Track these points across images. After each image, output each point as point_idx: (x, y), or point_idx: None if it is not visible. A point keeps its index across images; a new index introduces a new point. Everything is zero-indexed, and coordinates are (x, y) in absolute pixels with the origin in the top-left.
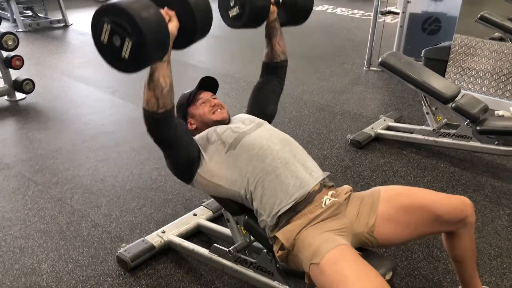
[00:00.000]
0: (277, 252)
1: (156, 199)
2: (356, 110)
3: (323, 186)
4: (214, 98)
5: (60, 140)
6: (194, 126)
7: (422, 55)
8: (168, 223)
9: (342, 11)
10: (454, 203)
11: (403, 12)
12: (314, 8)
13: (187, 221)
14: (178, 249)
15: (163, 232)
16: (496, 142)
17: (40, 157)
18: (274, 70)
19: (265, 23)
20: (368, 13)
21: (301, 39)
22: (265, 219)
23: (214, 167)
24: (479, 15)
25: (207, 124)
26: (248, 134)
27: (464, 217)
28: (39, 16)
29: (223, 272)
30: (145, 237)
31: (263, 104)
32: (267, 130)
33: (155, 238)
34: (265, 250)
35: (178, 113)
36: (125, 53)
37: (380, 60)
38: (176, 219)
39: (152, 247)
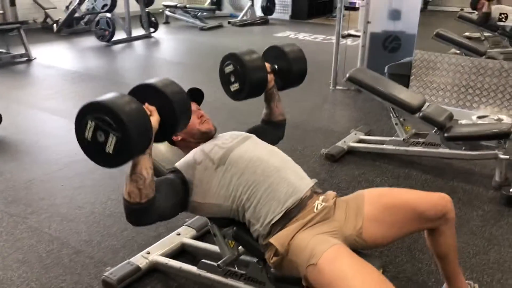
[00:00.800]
0: (271, 258)
1: None
2: (327, 127)
3: (313, 192)
4: (199, 110)
5: (32, 171)
6: (179, 138)
7: (385, 71)
8: (151, 245)
9: (304, 36)
10: (434, 200)
11: (364, 32)
12: (277, 34)
13: (171, 241)
14: (165, 268)
15: (148, 253)
16: (463, 148)
17: (12, 188)
18: (273, 127)
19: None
20: (329, 37)
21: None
22: (258, 229)
23: (206, 187)
24: (434, 32)
25: (193, 135)
26: (235, 148)
27: (445, 213)
28: (0, 52)
29: (212, 287)
30: (130, 259)
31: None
32: (255, 143)
33: (140, 260)
34: (255, 260)
35: None
36: (109, 148)
37: (347, 75)
38: (159, 240)
39: (138, 268)
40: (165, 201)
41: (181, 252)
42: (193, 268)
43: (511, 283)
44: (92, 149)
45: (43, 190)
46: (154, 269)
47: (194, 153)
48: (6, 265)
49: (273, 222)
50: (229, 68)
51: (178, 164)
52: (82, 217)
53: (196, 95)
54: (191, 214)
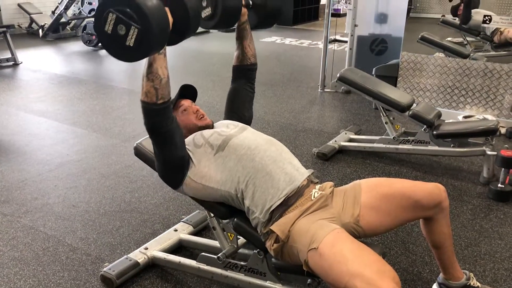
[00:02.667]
0: (272, 246)
1: (133, 220)
2: (317, 127)
3: (310, 181)
4: (194, 105)
5: (24, 171)
6: None
7: (373, 73)
8: (148, 241)
9: (290, 41)
10: (429, 189)
11: (352, 35)
12: (264, 39)
13: (168, 237)
14: (163, 263)
15: (146, 248)
16: (452, 145)
17: (5, 188)
18: (244, 73)
19: (236, 25)
20: (315, 42)
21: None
22: (258, 216)
23: (204, 170)
24: (420, 36)
25: (191, 130)
26: (234, 136)
27: (440, 201)
28: None
29: (212, 280)
30: (128, 255)
31: (239, 111)
32: (252, 133)
33: (138, 255)
34: (256, 251)
35: None
36: (130, 41)
37: (338, 75)
38: (156, 237)
39: (136, 263)
40: (180, 130)
41: (179, 248)
42: (192, 262)
43: (503, 273)
44: (112, 42)
45: (36, 190)
46: (153, 264)
47: (194, 136)
48: (1, 263)
49: (272, 208)
50: None
51: None
52: (77, 215)
53: (189, 92)
54: (187, 210)
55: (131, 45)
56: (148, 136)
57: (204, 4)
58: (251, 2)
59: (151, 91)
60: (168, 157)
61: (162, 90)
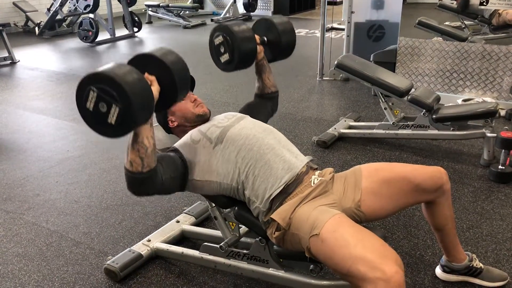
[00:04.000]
0: (273, 234)
1: (135, 213)
2: (317, 115)
3: (309, 168)
4: (192, 94)
5: (26, 169)
6: (175, 123)
7: (371, 59)
8: (151, 234)
9: None
10: (430, 172)
11: (349, 22)
12: None
13: (171, 228)
14: (166, 255)
15: (149, 240)
16: (451, 128)
17: (7, 186)
18: (266, 100)
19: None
20: (312, 31)
21: None
22: (258, 206)
23: (204, 165)
24: (417, 21)
25: (189, 119)
26: (232, 126)
27: (441, 184)
28: None
29: (215, 270)
30: (131, 247)
31: (254, 116)
32: (250, 122)
33: (141, 247)
34: (258, 238)
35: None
36: (112, 119)
37: (336, 62)
38: (158, 229)
39: (139, 256)
40: (166, 173)
41: (181, 240)
42: (195, 252)
43: (505, 253)
44: (94, 119)
45: (38, 187)
46: (156, 256)
47: (191, 133)
48: (5, 259)
49: (272, 197)
50: (218, 39)
51: (176, 144)
52: (79, 210)
53: None
54: (189, 201)
55: (113, 123)
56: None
57: (222, 50)
58: (266, 39)
59: (137, 161)
60: (163, 190)
61: (147, 159)
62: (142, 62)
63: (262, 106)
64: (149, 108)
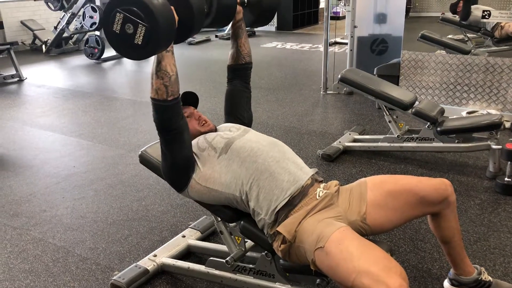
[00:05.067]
0: (279, 247)
1: (141, 228)
2: (321, 129)
3: (314, 180)
4: (197, 112)
5: (32, 185)
6: None
7: (374, 73)
8: (156, 249)
9: (291, 46)
10: (435, 184)
11: (352, 37)
12: (265, 45)
13: (177, 243)
14: (172, 270)
15: (155, 255)
16: (456, 141)
17: (13, 202)
18: (239, 73)
19: (230, 23)
20: (316, 46)
21: (258, 73)
22: (263, 218)
23: (208, 172)
24: (420, 34)
25: (194, 136)
26: (237, 139)
27: (446, 196)
28: None
29: (221, 284)
30: (138, 262)
31: (238, 113)
32: (255, 135)
33: (147, 262)
34: (264, 253)
35: None
36: (138, 39)
37: (340, 76)
38: (164, 244)
39: (146, 271)
40: (188, 129)
41: (187, 254)
42: (201, 267)
43: None
44: (121, 41)
45: (45, 203)
46: (162, 271)
47: (198, 140)
48: (12, 275)
49: (277, 209)
50: None
51: None
52: (86, 226)
53: (191, 99)
54: (194, 216)
55: (139, 43)
56: (152, 143)
57: None
58: (246, 0)
59: (161, 88)
60: (176, 156)
61: (172, 86)
62: None
63: (238, 90)
64: (172, 31)
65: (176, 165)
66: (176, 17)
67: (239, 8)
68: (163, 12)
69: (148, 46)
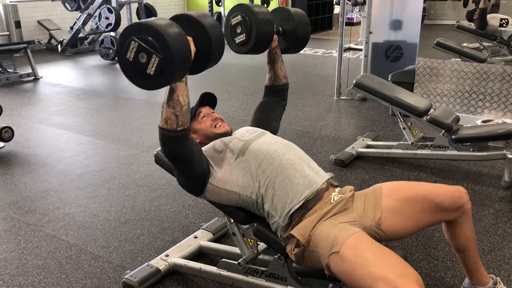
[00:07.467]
0: (293, 250)
1: (153, 228)
2: (334, 134)
3: (330, 184)
4: (213, 113)
5: (46, 182)
6: (197, 140)
7: (389, 79)
8: (168, 249)
9: (305, 51)
10: (451, 191)
11: (367, 43)
12: None
13: (189, 244)
14: (184, 270)
15: (167, 255)
16: (471, 149)
17: (28, 199)
18: (276, 93)
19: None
20: (329, 51)
21: None
22: (277, 220)
23: (225, 175)
24: (435, 42)
25: (210, 137)
26: (254, 141)
27: (462, 204)
28: (8, 71)
29: (232, 286)
30: (150, 262)
31: (266, 121)
32: (271, 137)
33: (159, 262)
34: (276, 256)
35: None
36: (151, 69)
37: (354, 82)
38: (176, 244)
39: (157, 270)
40: (197, 148)
41: (199, 255)
42: (213, 269)
43: None
44: (133, 70)
45: (58, 200)
46: (174, 271)
47: (215, 143)
48: (26, 271)
49: (291, 212)
50: (236, 19)
51: (203, 149)
52: (98, 224)
53: (209, 99)
54: (206, 217)
55: (152, 73)
56: None
57: (239, 30)
58: (281, 29)
59: (172, 118)
60: (188, 174)
61: (182, 117)
62: (182, 22)
63: (273, 102)
64: (186, 63)
65: (189, 179)
66: (194, 49)
67: (275, 36)
68: (179, 44)
69: (160, 77)
